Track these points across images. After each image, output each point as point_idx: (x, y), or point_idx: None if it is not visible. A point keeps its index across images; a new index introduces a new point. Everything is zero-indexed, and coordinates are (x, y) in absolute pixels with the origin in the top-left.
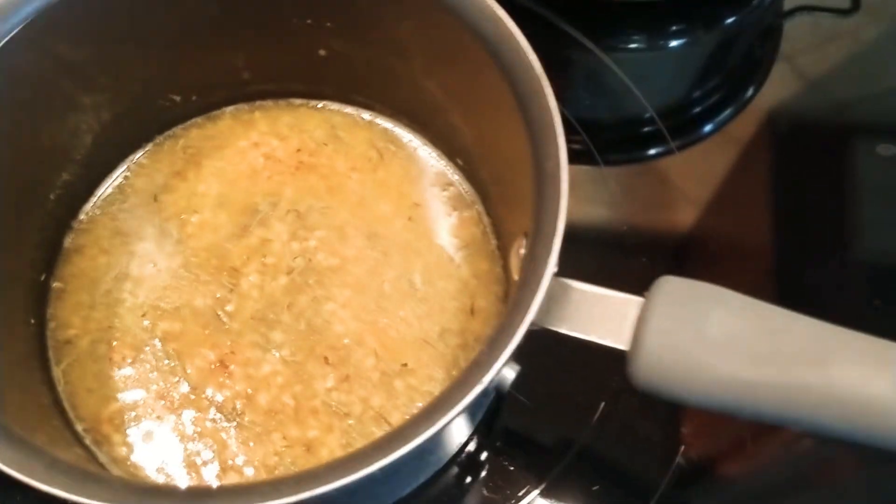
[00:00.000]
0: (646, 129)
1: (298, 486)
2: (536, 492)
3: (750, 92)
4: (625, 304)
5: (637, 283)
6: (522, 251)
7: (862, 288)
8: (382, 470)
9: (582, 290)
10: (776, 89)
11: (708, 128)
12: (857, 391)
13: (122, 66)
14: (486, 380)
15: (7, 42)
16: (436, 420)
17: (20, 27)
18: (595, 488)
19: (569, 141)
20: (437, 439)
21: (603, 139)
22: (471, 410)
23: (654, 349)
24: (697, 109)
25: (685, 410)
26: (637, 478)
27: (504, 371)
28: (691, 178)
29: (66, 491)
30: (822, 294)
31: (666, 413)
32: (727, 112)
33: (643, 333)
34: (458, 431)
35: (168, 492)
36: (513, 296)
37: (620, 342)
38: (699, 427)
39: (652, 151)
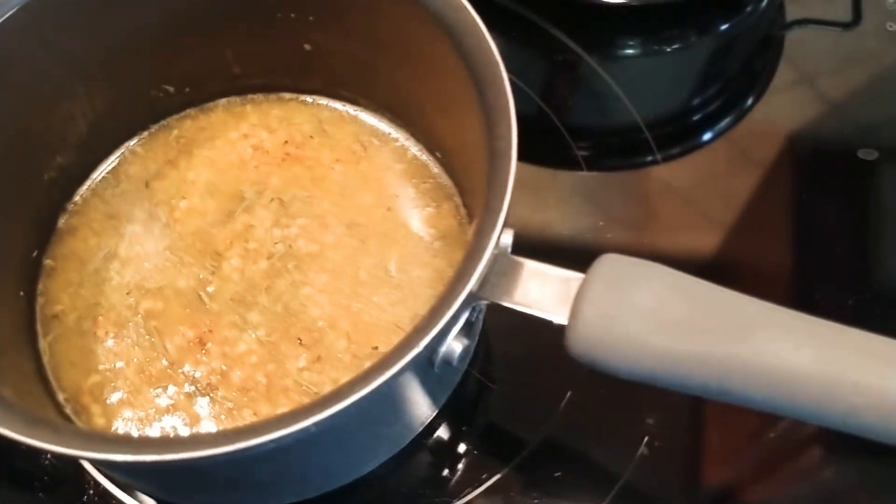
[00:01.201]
0: (638, 136)
1: (237, 437)
2: (498, 475)
3: (750, 101)
4: (567, 280)
5: None
6: None
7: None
8: (318, 425)
9: (527, 266)
10: (781, 102)
11: (707, 136)
12: (781, 363)
13: (114, 56)
14: (422, 344)
15: (0, 25)
16: (370, 381)
17: (14, 9)
18: (558, 475)
19: (575, 148)
20: (381, 405)
21: (600, 146)
22: (422, 382)
23: (588, 321)
24: (696, 117)
25: (650, 400)
26: (601, 466)
27: (450, 343)
28: (690, 189)
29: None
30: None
31: (632, 402)
32: (726, 121)
33: (580, 306)
34: (412, 405)
35: (120, 440)
36: (457, 267)
37: (561, 316)
38: (664, 417)
39: (645, 159)
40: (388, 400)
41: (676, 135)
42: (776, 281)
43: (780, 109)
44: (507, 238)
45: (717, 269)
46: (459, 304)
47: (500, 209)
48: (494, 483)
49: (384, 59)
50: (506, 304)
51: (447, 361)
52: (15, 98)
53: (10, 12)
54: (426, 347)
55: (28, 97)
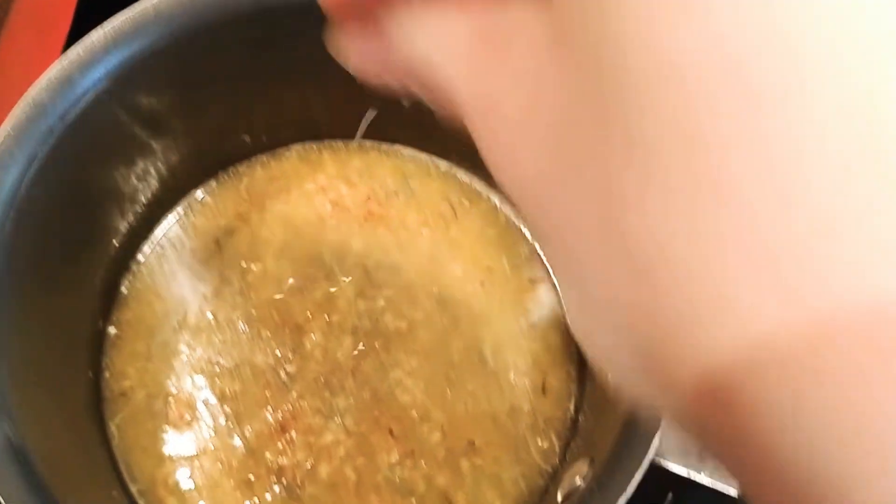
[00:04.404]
0: None
1: None
2: None
3: None
4: None
5: None
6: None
7: None
8: None
9: None
10: None
11: None
12: None
13: (196, 111)
14: None
15: (89, 97)
16: None
17: (103, 80)
18: None
19: None
20: None
21: None
22: None
23: None
24: None
25: None
26: None
27: None
28: None
29: None
30: None
31: None
32: None
33: None
34: None
35: None
36: None
37: None
38: None
39: None
40: None
41: None
42: None
43: None
44: None
45: None
46: None
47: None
48: None
49: None
50: None
51: None
52: (95, 163)
53: (102, 84)
54: None
55: (106, 160)
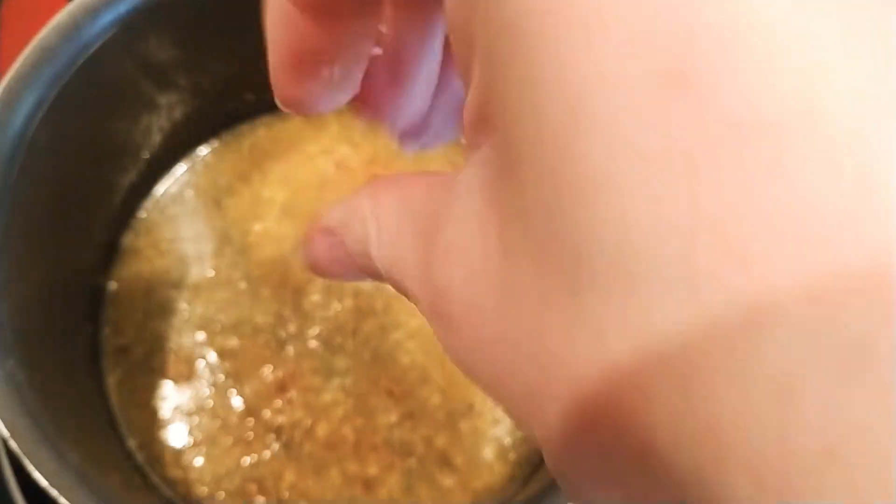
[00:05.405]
0: None
1: None
2: None
3: None
4: None
5: None
6: None
7: None
8: None
9: None
10: None
11: None
12: None
13: (201, 65)
14: None
15: (97, 44)
16: None
17: (114, 28)
18: None
19: None
20: None
21: None
22: None
23: None
24: None
25: None
26: None
27: None
28: None
29: None
30: None
31: None
32: None
33: None
34: None
35: None
36: None
37: None
38: None
39: None
40: None
41: None
42: None
43: None
44: None
45: None
46: None
47: None
48: None
49: None
50: None
51: None
52: (101, 116)
53: (110, 32)
54: None
55: (112, 114)
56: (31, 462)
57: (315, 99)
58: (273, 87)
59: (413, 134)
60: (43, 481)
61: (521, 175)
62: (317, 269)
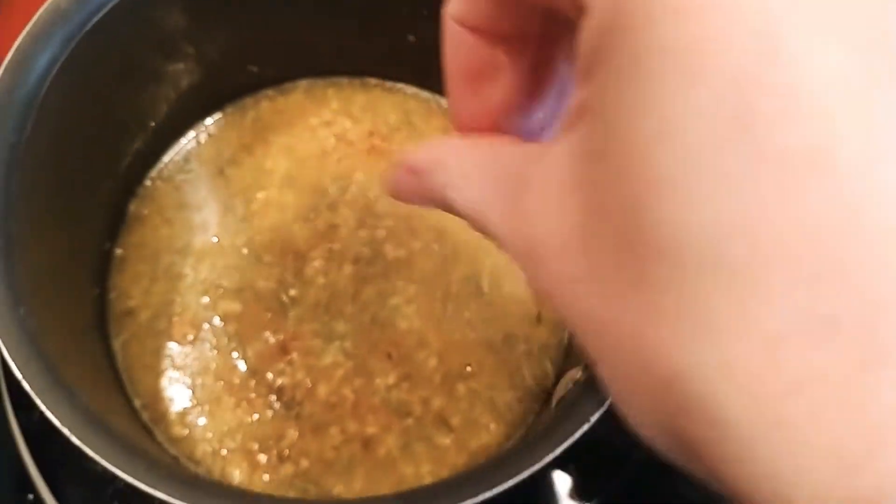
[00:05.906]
0: None
1: None
2: None
3: None
4: None
5: None
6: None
7: None
8: None
9: None
10: None
11: None
12: None
13: (209, 37)
14: None
15: (108, 7)
16: None
17: None
18: None
19: None
20: None
21: None
22: None
23: None
24: None
25: None
26: None
27: None
28: None
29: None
30: None
31: None
32: None
33: None
34: None
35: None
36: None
37: None
38: None
39: None
40: None
41: None
42: None
43: None
44: None
45: None
46: None
47: None
48: None
49: None
50: None
51: None
52: (110, 81)
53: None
54: None
55: (121, 80)
56: (44, 403)
57: (492, 106)
58: (449, 108)
59: (536, 133)
60: (56, 422)
61: (609, 163)
62: (397, 196)
